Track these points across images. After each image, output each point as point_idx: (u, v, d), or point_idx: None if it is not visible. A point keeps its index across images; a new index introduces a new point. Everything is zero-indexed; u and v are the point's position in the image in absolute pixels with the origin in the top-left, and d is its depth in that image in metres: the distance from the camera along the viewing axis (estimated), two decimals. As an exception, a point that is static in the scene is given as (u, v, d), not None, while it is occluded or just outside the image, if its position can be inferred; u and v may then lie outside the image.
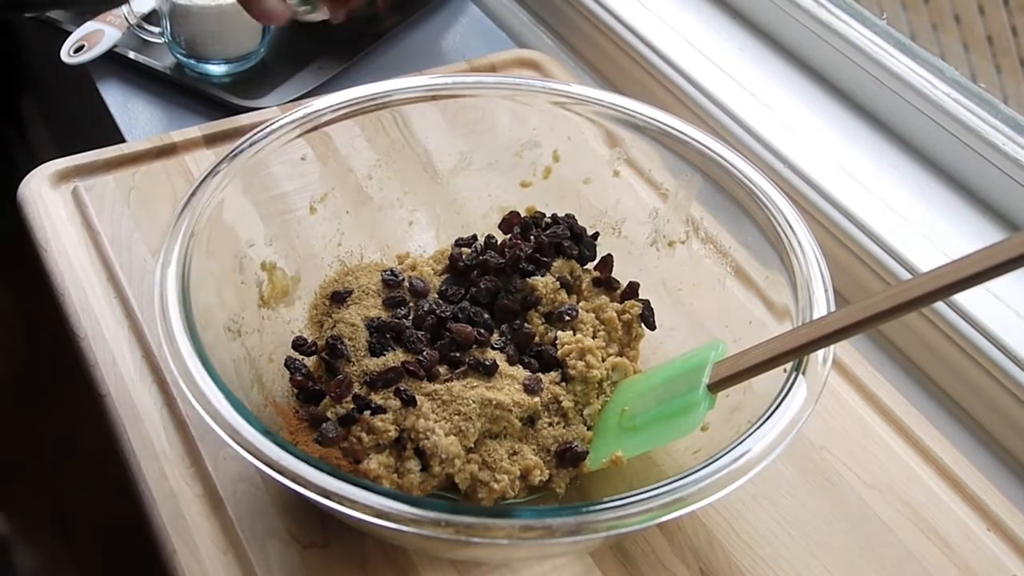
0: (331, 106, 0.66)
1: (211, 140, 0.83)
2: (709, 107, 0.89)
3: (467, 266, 0.65)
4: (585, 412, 0.60)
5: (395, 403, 0.56)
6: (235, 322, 0.59)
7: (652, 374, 0.61)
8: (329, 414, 0.56)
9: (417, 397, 0.56)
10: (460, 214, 0.72)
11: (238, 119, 0.86)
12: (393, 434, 0.56)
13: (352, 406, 0.56)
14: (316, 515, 0.58)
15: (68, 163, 0.80)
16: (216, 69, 0.97)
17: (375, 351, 0.59)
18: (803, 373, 0.53)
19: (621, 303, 0.66)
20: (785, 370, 0.53)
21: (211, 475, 0.60)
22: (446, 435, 0.56)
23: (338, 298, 0.63)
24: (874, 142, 0.85)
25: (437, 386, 0.58)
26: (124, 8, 0.96)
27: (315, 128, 0.65)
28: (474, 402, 0.56)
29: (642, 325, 0.65)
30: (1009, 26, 0.92)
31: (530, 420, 0.59)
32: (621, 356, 0.63)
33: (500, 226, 0.70)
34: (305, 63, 0.99)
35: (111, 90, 0.96)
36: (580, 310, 0.65)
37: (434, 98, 0.69)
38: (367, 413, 0.56)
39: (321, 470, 0.46)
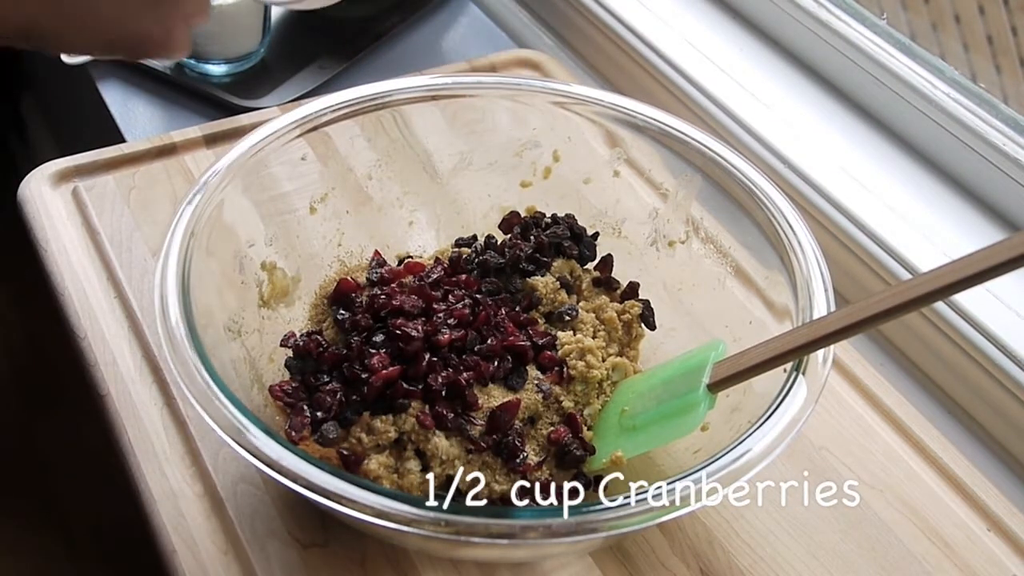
0: (331, 106, 0.66)
1: (211, 140, 0.83)
2: (709, 107, 0.89)
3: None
4: (585, 412, 0.60)
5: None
6: (235, 322, 0.59)
7: (652, 374, 0.61)
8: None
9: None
10: (460, 214, 0.73)
11: (238, 119, 0.86)
12: (393, 435, 0.56)
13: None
14: (316, 515, 0.58)
15: (68, 163, 0.80)
16: (216, 69, 0.97)
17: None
18: (803, 373, 0.53)
19: (621, 303, 0.66)
20: (785, 370, 0.53)
21: (211, 475, 0.60)
22: (446, 437, 0.56)
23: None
24: (874, 142, 0.85)
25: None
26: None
27: (315, 128, 0.65)
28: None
29: (642, 325, 0.65)
30: (1009, 26, 0.92)
31: (530, 420, 0.59)
32: (621, 356, 0.63)
33: (500, 226, 0.70)
34: (305, 63, 0.99)
35: (111, 90, 0.96)
36: (580, 310, 0.65)
37: (434, 98, 0.69)
38: (366, 414, 0.56)
39: (321, 470, 0.46)
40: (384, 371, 0.56)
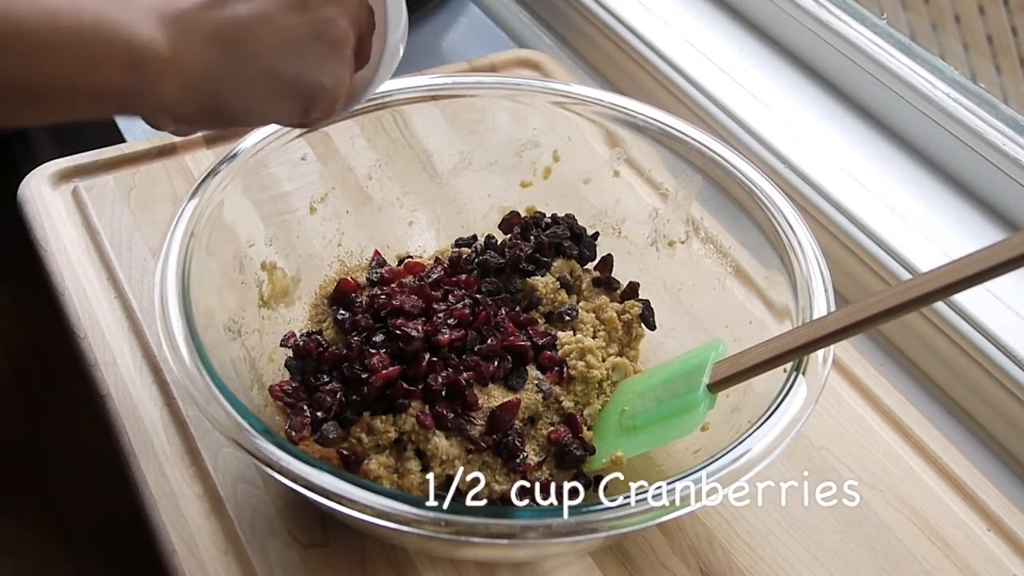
0: (331, 106, 0.66)
1: (211, 140, 0.83)
2: (709, 107, 0.89)
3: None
4: (585, 412, 0.60)
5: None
6: (235, 322, 0.59)
7: (652, 374, 0.61)
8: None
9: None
10: (460, 214, 0.72)
11: (238, 119, 0.86)
12: (393, 435, 0.56)
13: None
14: (316, 515, 0.58)
15: (68, 163, 0.80)
16: (216, 69, 0.96)
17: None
18: (803, 373, 0.53)
19: (621, 303, 0.66)
20: (785, 370, 0.53)
21: (211, 475, 0.60)
22: (446, 437, 0.56)
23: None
24: (874, 142, 0.85)
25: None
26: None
27: (315, 128, 0.65)
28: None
29: (642, 325, 0.65)
30: (1009, 26, 0.92)
31: (530, 420, 0.59)
32: (621, 356, 0.63)
33: (500, 226, 0.70)
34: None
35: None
36: (580, 310, 0.65)
37: (434, 98, 0.69)
38: (366, 414, 0.56)
39: (321, 470, 0.46)
40: (384, 371, 0.56)
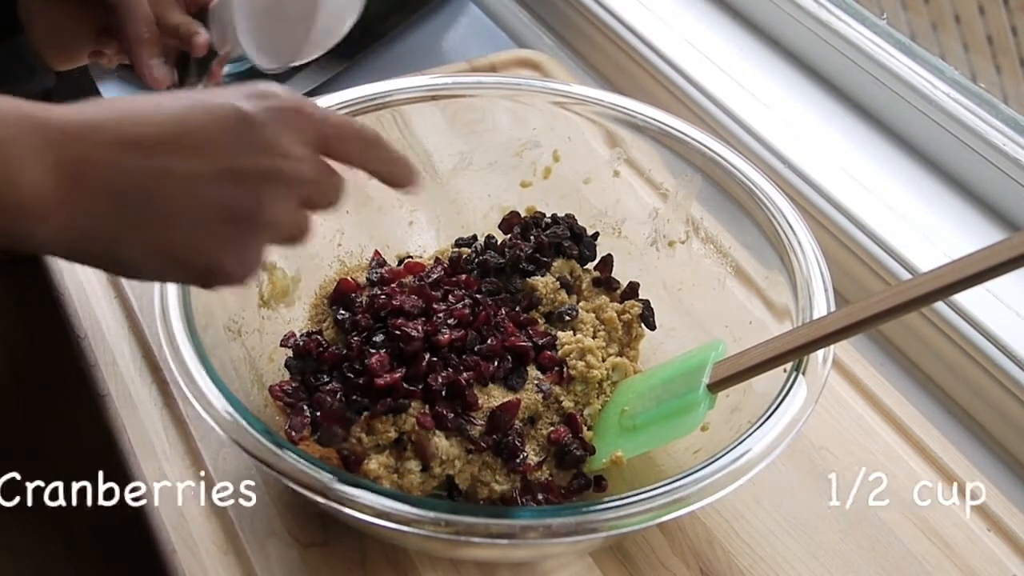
0: (331, 106, 0.66)
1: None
2: (709, 107, 0.89)
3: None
4: (585, 412, 0.60)
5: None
6: (235, 322, 0.59)
7: (652, 374, 0.61)
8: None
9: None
10: (460, 214, 0.72)
11: (238, 119, 0.85)
12: (393, 435, 0.56)
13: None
14: (316, 515, 0.58)
15: (68, 163, 0.80)
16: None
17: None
18: (803, 373, 0.53)
19: (621, 303, 0.66)
20: (785, 370, 0.53)
21: (211, 475, 0.60)
22: (446, 437, 0.56)
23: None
24: (874, 142, 0.85)
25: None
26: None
27: (315, 128, 0.65)
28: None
29: (642, 325, 0.65)
30: (1009, 26, 0.92)
31: (530, 420, 0.59)
32: (621, 356, 0.63)
33: (500, 226, 0.70)
34: (305, 63, 0.99)
35: (111, 90, 0.96)
36: (580, 310, 0.65)
37: (434, 98, 0.69)
38: (365, 414, 0.56)
39: (321, 470, 0.46)
40: (387, 377, 0.56)
